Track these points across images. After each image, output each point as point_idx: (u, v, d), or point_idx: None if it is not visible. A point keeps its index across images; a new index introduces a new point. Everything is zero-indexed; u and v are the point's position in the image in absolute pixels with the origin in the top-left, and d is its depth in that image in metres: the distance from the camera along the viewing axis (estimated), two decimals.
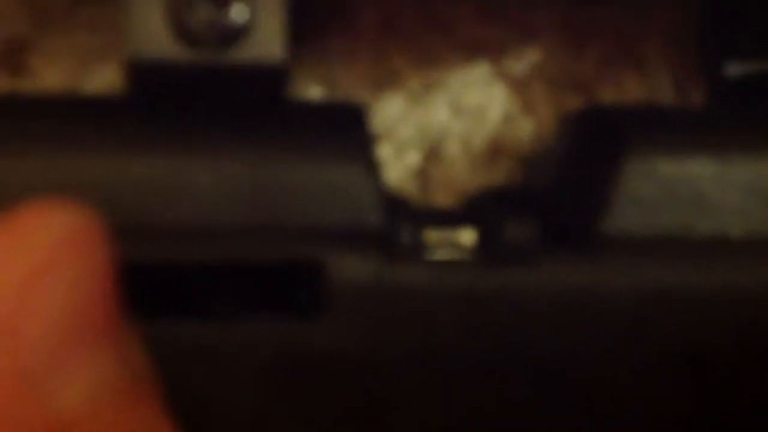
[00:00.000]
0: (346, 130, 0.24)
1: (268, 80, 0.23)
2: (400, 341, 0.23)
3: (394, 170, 0.32)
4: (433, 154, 0.32)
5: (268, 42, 0.23)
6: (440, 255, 0.24)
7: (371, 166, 0.24)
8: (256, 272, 0.22)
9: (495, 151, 0.32)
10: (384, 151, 0.32)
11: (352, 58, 0.32)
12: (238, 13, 0.23)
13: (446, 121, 0.32)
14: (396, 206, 0.26)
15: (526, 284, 0.23)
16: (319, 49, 0.32)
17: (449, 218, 0.27)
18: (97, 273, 0.19)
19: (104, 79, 0.30)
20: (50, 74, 0.30)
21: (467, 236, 0.25)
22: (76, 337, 0.18)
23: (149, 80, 0.23)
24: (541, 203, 0.27)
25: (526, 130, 0.32)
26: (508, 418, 0.23)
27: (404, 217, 0.25)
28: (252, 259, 0.22)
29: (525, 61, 0.33)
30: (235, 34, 0.23)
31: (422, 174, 0.32)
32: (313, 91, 0.32)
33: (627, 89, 0.33)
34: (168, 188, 0.23)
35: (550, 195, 0.28)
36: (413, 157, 0.32)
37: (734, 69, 0.31)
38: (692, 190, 0.24)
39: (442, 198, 0.32)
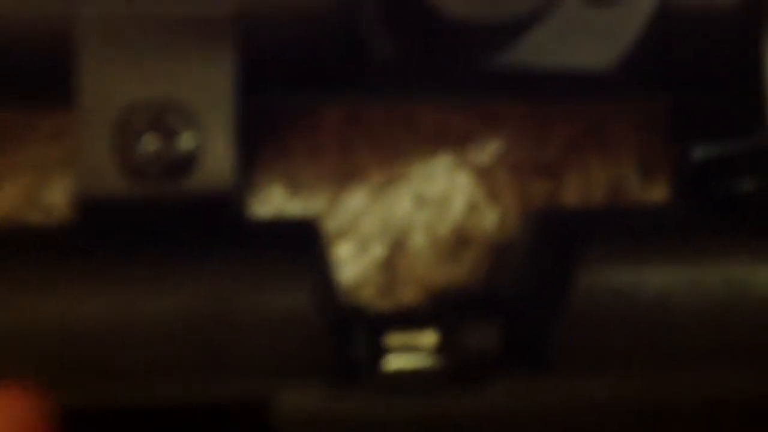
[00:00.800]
0: (296, 253, 0.24)
1: (219, 207, 0.23)
2: None
3: (358, 266, 0.32)
4: (397, 246, 0.32)
5: (217, 169, 0.23)
6: (398, 363, 0.24)
7: (321, 288, 0.24)
8: (202, 413, 0.22)
9: (460, 241, 0.32)
10: (346, 248, 0.32)
11: (315, 154, 0.32)
12: (185, 143, 0.23)
13: (410, 213, 0.32)
14: (353, 317, 0.26)
15: (481, 407, 0.23)
16: (282, 146, 0.32)
17: (410, 319, 0.26)
18: None
19: (64, 191, 0.30)
20: (8, 188, 0.30)
21: (429, 339, 0.25)
22: None
23: (97, 214, 0.23)
24: (500, 308, 0.27)
25: (491, 219, 0.32)
26: None
27: (360, 329, 0.25)
28: (196, 401, 0.22)
29: (488, 149, 0.32)
30: (183, 165, 0.23)
31: (387, 268, 0.32)
32: (274, 193, 0.31)
33: (592, 175, 0.33)
34: (110, 326, 0.22)
35: (511, 299, 0.27)
36: (377, 251, 0.32)
37: (699, 153, 0.31)
38: (650, 301, 0.24)
39: (408, 292, 0.32)
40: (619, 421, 0.24)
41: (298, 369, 0.23)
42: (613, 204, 0.31)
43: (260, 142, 0.30)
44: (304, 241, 0.24)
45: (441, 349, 0.25)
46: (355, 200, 0.32)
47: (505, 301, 0.28)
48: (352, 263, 0.32)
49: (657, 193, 0.33)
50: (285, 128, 0.31)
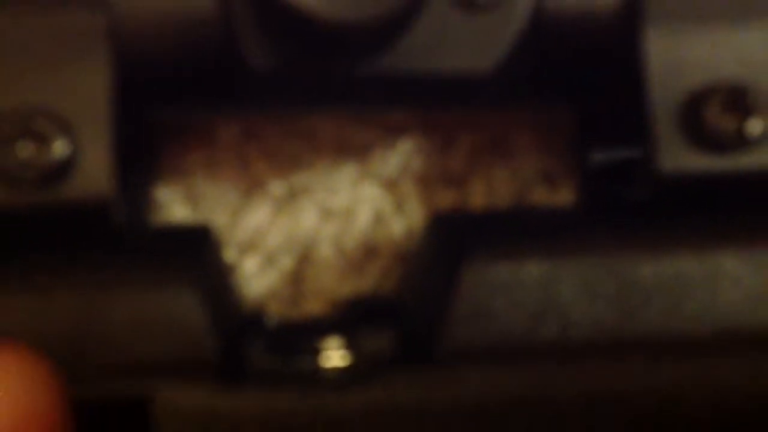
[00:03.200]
0: (184, 256, 0.24)
1: (97, 215, 0.23)
2: None
3: (264, 280, 0.32)
4: (304, 259, 0.32)
5: (94, 176, 0.23)
6: (289, 365, 0.24)
7: (210, 291, 0.24)
8: (83, 411, 0.22)
9: (368, 253, 0.32)
10: (251, 263, 0.32)
11: (214, 169, 0.32)
12: (58, 150, 0.23)
13: (315, 226, 0.32)
14: (250, 324, 0.26)
15: (367, 403, 0.23)
16: (180, 162, 0.32)
17: (308, 326, 0.27)
18: (41, 409, 0.19)
19: None
20: None
21: (324, 344, 0.25)
22: None
23: None
24: (399, 312, 0.27)
25: (398, 229, 0.32)
26: None
27: (254, 334, 0.25)
28: (77, 398, 0.22)
29: (392, 160, 0.32)
30: (58, 172, 0.23)
31: (294, 281, 0.32)
32: (174, 208, 0.31)
33: (497, 183, 0.33)
34: None
35: (407, 304, 0.28)
36: (284, 264, 0.32)
37: (598, 158, 0.32)
38: (532, 296, 0.25)
39: (315, 304, 0.32)
40: (503, 414, 0.24)
41: (182, 369, 0.23)
42: (514, 207, 0.31)
43: (158, 156, 0.30)
44: (192, 247, 0.24)
45: (338, 353, 0.25)
46: (259, 214, 0.32)
47: (403, 307, 0.28)
48: (258, 278, 0.32)
49: (562, 200, 0.33)
50: (182, 143, 0.31)
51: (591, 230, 0.26)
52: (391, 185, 0.32)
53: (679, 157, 0.25)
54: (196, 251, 0.24)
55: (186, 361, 0.23)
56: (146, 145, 0.28)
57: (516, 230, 0.26)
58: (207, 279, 0.24)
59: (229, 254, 0.31)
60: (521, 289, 0.24)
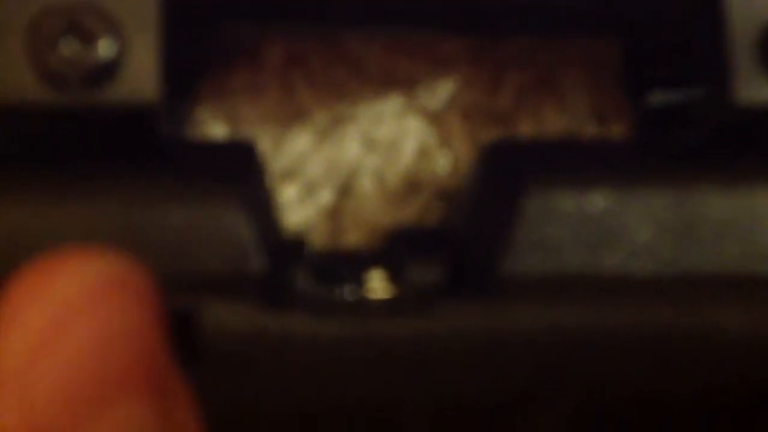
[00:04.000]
0: (229, 170, 0.23)
1: (142, 121, 0.22)
2: (283, 392, 0.21)
3: (303, 211, 0.31)
4: (344, 191, 0.31)
5: (139, 81, 0.22)
6: (337, 292, 0.23)
7: (256, 208, 0.23)
8: None
9: (410, 187, 0.31)
10: (290, 192, 0.31)
11: (257, 93, 0.31)
12: (105, 50, 0.22)
13: (358, 157, 0.31)
14: (292, 249, 0.25)
15: (418, 331, 0.22)
16: (222, 84, 0.31)
17: (353, 256, 0.25)
18: (134, 324, 0.17)
19: None
20: None
21: (371, 274, 0.24)
22: (102, 392, 0.17)
23: (13, 124, 0.22)
24: (449, 243, 0.26)
25: (442, 164, 0.31)
26: None
27: (297, 260, 0.24)
28: None
29: (439, 93, 0.31)
30: (103, 73, 0.22)
31: (334, 213, 0.31)
32: (216, 129, 0.30)
33: (546, 120, 0.32)
34: (35, 236, 0.21)
35: (458, 235, 0.26)
36: (324, 196, 0.31)
37: (657, 98, 0.30)
38: (596, 227, 0.23)
39: (355, 238, 0.31)
40: (563, 348, 0.23)
41: (228, 284, 0.21)
42: (570, 139, 0.30)
43: (200, 78, 0.29)
44: (237, 162, 0.23)
45: (384, 284, 0.24)
46: (300, 142, 0.31)
47: (453, 237, 0.27)
48: (297, 208, 0.31)
49: (612, 139, 0.32)
50: (226, 64, 0.30)
51: (656, 162, 0.24)
52: (436, 119, 0.31)
53: (757, 89, 0.23)
54: (241, 167, 0.23)
55: (233, 276, 0.22)
56: (192, 57, 0.27)
57: (577, 160, 0.24)
58: (253, 195, 0.23)
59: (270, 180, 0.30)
60: (585, 220, 0.23)
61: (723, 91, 0.24)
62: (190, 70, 0.27)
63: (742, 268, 0.23)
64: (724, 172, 0.24)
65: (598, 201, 0.23)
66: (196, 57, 0.28)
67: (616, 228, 0.23)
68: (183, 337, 0.21)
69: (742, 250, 0.23)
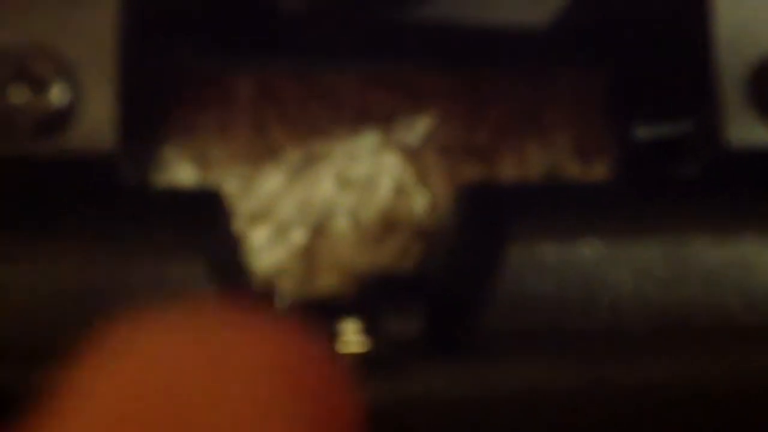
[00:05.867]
0: (192, 223, 0.22)
1: (98, 170, 0.21)
2: None
3: (275, 253, 0.30)
4: (319, 231, 0.30)
5: (96, 128, 0.21)
6: None
7: (221, 261, 0.22)
8: None
9: (387, 225, 0.30)
10: (261, 234, 0.29)
11: (227, 131, 0.30)
12: (58, 96, 0.20)
13: (332, 195, 0.30)
14: (261, 300, 0.24)
15: (394, 393, 0.21)
16: (190, 123, 0.29)
17: (327, 304, 0.24)
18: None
19: None
20: None
21: (346, 326, 0.23)
22: None
23: None
24: (426, 292, 0.25)
25: (419, 203, 0.30)
26: None
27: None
28: None
29: (417, 129, 0.30)
30: (56, 121, 0.20)
31: (307, 254, 0.30)
32: (183, 170, 0.29)
33: (528, 157, 0.31)
34: None
35: (436, 284, 0.25)
36: (297, 236, 0.30)
37: (642, 133, 0.30)
38: (581, 279, 0.22)
39: (329, 280, 0.30)
40: (549, 409, 0.21)
41: None
42: (550, 180, 0.29)
43: (168, 112, 0.28)
44: (201, 213, 0.22)
45: (358, 336, 0.23)
46: (272, 182, 0.30)
47: (431, 284, 0.25)
48: (269, 250, 0.30)
49: (597, 175, 0.31)
50: (195, 100, 0.29)
51: (644, 209, 0.23)
52: (414, 155, 0.30)
53: (747, 129, 0.22)
54: (206, 218, 0.22)
55: None
56: (155, 97, 0.26)
57: (561, 206, 0.23)
58: (216, 249, 0.21)
59: (238, 224, 0.29)
60: (570, 271, 0.22)
61: (712, 130, 0.23)
62: (154, 109, 0.26)
63: (733, 317, 0.22)
64: (712, 219, 0.23)
65: (583, 252, 0.22)
66: (160, 95, 0.27)
67: (603, 280, 0.22)
68: None
69: (733, 299, 0.22)
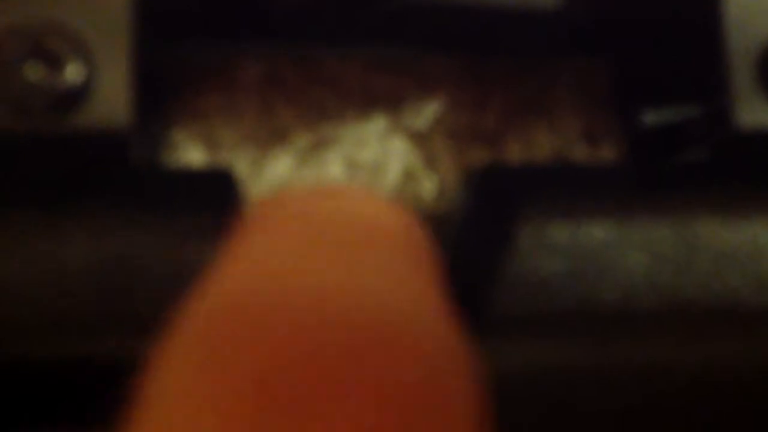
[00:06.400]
0: (205, 202, 0.22)
1: (112, 148, 0.21)
2: None
3: None
4: None
5: (110, 106, 0.21)
6: None
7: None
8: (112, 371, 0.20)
9: None
10: None
11: (235, 114, 0.30)
12: (73, 74, 0.20)
13: (341, 179, 0.30)
14: None
15: None
16: (198, 106, 0.29)
17: None
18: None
19: None
20: None
21: None
22: None
23: None
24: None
25: (428, 187, 0.30)
26: None
27: None
28: (102, 358, 0.19)
29: (424, 113, 0.30)
30: (70, 99, 0.20)
31: None
32: (192, 152, 0.29)
33: (535, 141, 0.31)
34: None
35: (448, 265, 0.25)
36: None
37: (649, 117, 0.30)
38: (591, 260, 0.22)
39: None
40: (560, 389, 0.22)
41: None
42: (561, 163, 0.29)
43: (176, 99, 0.28)
44: (213, 191, 0.22)
45: None
46: (281, 165, 0.30)
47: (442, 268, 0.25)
48: None
49: (604, 160, 0.31)
50: (202, 84, 0.29)
51: (653, 190, 0.23)
52: (422, 140, 0.30)
53: (757, 113, 0.22)
54: (219, 196, 0.22)
55: None
56: (166, 80, 0.26)
57: (570, 187, 0.23)
58: (230, 227, 0.21)
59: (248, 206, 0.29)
60: (581, 253, 0.22)
61: (722, 114, 0.23)
62: (164, 91, 0.26)
63: (743, 299, 0.22)
64: (722, 201, 0.23)
65: (593, 232, 0.22)
66: (170, 78, 0.27)
67: (613, 260, 0.22)
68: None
69: (742, 280, 0.22)
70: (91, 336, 0.19)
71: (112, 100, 0.21)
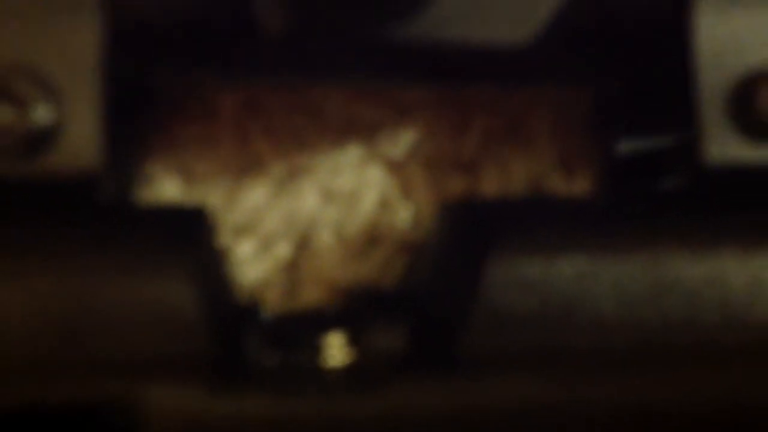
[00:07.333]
0: (176, 240, 0.22)
1: (82, 190, 0.21)
2: None
3: (260, 266, 0.30)
4: (303, 245, 0.30)
5: (80, 147, 0.21)
6: (294, 362, 0.22)
7: (205, 278, 0.22)
8: (66, 414, 0.20)
9: (371, 239, 0.30)
10: (246, 247, 0.30)
11: (210, 145, 0.30)
12: (41, 116, 0.20)
13: (316, 209, 0.30)
14: (247, 315, 0.24)
15: (378, 409, 0.21)
16: (173, 136, 0.30)
17: (310, 318, 0.25)
18: None
19: None
20: None
21: (329, 340, 0.23)
22: None
23: None
24: (410, 307, 0.25)
25: (403, 217, 0.30)
26: None
27: (252, 326, 0.23)
28: (59, 400, 0.19)
29: (401, 142, 0.31)
30: (39, 141, 0.20)
31: (292, 268, 0.30)
32: (167, 184, 0.29)
33: (512, 170, 0.31)
34: None
35: (419, 298, 0.25)
36: (281, 250, 0.30)
37: (625, 148, 0.30)
38: (562, 296, 0.22)
39: (313, 293, 0.30)
40: (532, 425, 0.22)
41: (174, 364, 0.20)
42: (533, 195, 0.29)
43: (151, 130, 0.28)
44: (185, 230, 0.22)
45: (343, 349, 0.23)
46: (256, 194, 0.30)
47: (415, 300, 0.26)
48: (253, 263, 0.30)
49: (579, 188, 0.31)
50: (178, 114, 0.29)
51: (626, 224, 0.23)
52: (398, 168, 0.30)
53: (727, 146, 0.23)
54: (190, 235, 0.22)
55: (178, 355, 0.20)
56: (138, 113, 0.26)
57: (542, 222, 0.23)
58: (201, 266, 0.22)
59: (223, 238, 0.29)
60: (552, 288, 0.22)
61: (692, 147, 0.23)
62: (138, 125, 0.26)
63: (712, 335, 0.22)
64: (693, 236, 0.23)
65: (564, 269, 0.22)
66: (144, 109, 0.27)
67: (583, 297, 0.22)
68: (125, 424, 0.19)
69: (714, 317, 0.22)
70: (54, 380, 0.19)
71: (82, 141, 0.21)
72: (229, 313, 0.23)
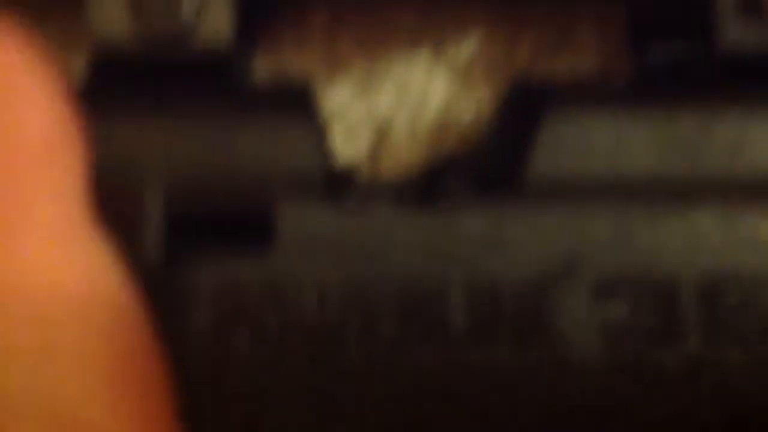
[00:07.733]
0: (296, 103, 0.25)
1: (218, 67, 0.25)
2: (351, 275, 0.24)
3: (345, 153, 0.33)
4: (380, 137, 0.33)
5: (217, 30, 0.24)
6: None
7: (320, 130, 0.26)
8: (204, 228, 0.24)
9: (439, 133, 0.33)
10: (334, 135, 0.33)
11: (302, 47, 0.33)
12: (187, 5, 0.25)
13: (391, 108, 0.33)
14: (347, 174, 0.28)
15: (456, 225, 0.25)
16: (271, 40, 0.33)
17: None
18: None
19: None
20: None
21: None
22: None
23: (109, 67, 0.24)
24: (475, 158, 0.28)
25: (466, 114, 0.33)
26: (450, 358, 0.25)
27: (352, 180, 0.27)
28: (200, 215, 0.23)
29: (464, 48, 0.34)
30: (186, 27, 0.24)
31: (371, 157, 0.33)
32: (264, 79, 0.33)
33: (559, 74, 0.34)
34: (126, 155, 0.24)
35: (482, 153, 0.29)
36: (363, 140, 0.33)
37: (656, 53, 0.32)
38: (606, 141, 0.26)
39: (391, 177, 0.33)
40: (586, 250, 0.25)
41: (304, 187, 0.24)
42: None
43: (257, 32, 0.32)
44: (301, 97, 0.26)
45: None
46: (342, 91, 0.33)
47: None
48: (337, 151, 0.33)
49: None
50: (273, 24, 0.33)
51: (657, 95, 0.27)
52: (461, 71, 0.33)
53: (741, 34, 0.26)
54: (302, 103, 0.26)
55: (303, 179, 0.24)
56: (253, 14, 0.29)
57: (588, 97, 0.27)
58: (315, 122, 0.25)
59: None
60: (603, 134, 0.25)
61: (705, 41, 0.26)
62: (252, 22, 0.30)
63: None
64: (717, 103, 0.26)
65: (615, 118, 0.26)
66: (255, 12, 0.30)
67: (630, 143, 0.25)
68: (257, 238, 0.23)
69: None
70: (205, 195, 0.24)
71: (219, 25, 0.25)
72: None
